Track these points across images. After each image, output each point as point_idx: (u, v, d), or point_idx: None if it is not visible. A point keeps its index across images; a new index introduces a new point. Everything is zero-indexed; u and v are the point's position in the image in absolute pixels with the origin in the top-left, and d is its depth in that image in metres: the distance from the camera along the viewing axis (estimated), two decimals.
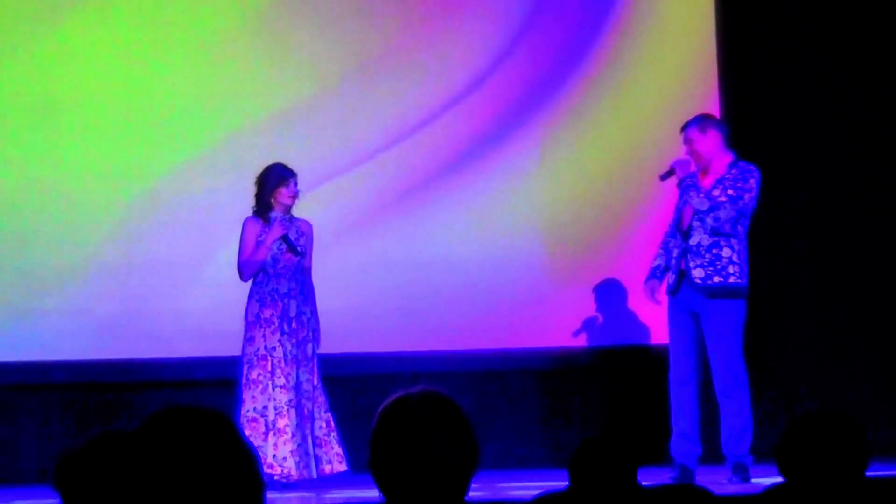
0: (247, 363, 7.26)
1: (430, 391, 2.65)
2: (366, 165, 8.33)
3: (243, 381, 7.25)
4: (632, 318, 8.42)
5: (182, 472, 2.16)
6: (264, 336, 7.25)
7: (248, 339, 7.29)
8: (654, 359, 7.96)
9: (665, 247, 7.14)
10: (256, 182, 7.42)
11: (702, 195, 6.92)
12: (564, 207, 8.46)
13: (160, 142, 8.24)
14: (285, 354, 7.24)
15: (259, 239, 7.33)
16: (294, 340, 7.28)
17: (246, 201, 7.69)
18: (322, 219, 7.78)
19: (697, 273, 6.91)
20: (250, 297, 7.34)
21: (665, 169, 7.08)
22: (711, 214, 6.89)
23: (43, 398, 8.19)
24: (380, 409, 2.66)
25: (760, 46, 8.54)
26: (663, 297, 7.10)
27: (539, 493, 3.38)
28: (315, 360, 7.35)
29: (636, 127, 8.48)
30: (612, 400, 8.44)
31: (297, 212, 7.48)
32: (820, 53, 8.51)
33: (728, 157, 7.03)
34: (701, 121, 7.10)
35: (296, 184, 7.39)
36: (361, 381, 8.03)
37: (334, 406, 7.41)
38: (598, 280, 8.42)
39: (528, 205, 8.45)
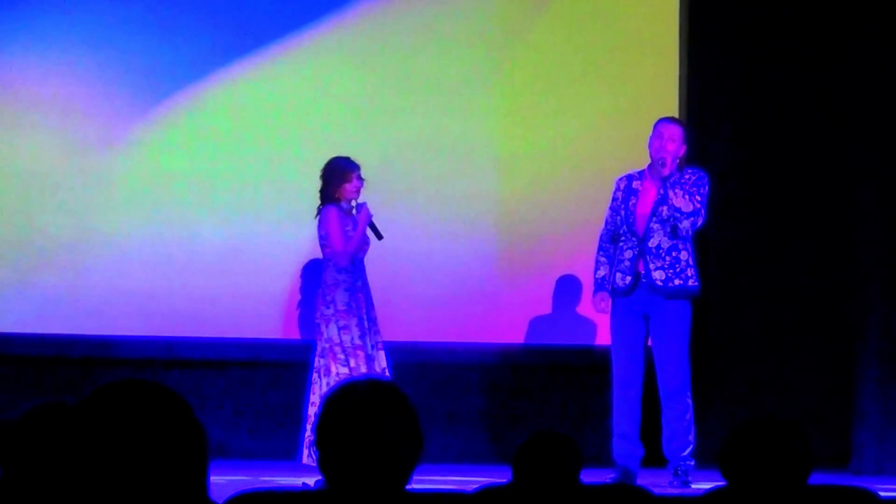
0: (343, 352, 7.14)
1: (377, 380, 2.70)
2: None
3: (332, 369, 7.14)
4: (580, 317, 8.41)
5: (123, 446, 2.16)
6: (358, 325, 7.17)
7: (343, 328, 7.15)
8: (601, 360, 7.97)
9: (606, 254, 7.07)
10: (321, 176, 7.28)
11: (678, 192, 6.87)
12: (518, 204, 8.44)
13: (119, 115, 8.20)
14: (368, 346, 7.20)
15: (347, 229, 7.22)
16: (374, 331, 7.26)
17: (204, 179, 7.63)
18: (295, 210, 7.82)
19: (658, 275, 6.89)
20: (336, 285, 7.19)
21: (662, 159, 6.90)
22: (690, 219, 6.90)
23: None
24: (325, 395, 2.71)
25: (721, 51, 8.55)
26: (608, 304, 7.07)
27: (480, 486, 3.38)
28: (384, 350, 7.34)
29: (593, 125, 8.45)
30: (556, 399, 8.44)
31: None
32: (775, 58, 8.50)
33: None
34: (682, 123, 7.16)
35: (359, 177, 7.27)
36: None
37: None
38: (549, 278, 8.41)
39: (481, 199, 8.42)
